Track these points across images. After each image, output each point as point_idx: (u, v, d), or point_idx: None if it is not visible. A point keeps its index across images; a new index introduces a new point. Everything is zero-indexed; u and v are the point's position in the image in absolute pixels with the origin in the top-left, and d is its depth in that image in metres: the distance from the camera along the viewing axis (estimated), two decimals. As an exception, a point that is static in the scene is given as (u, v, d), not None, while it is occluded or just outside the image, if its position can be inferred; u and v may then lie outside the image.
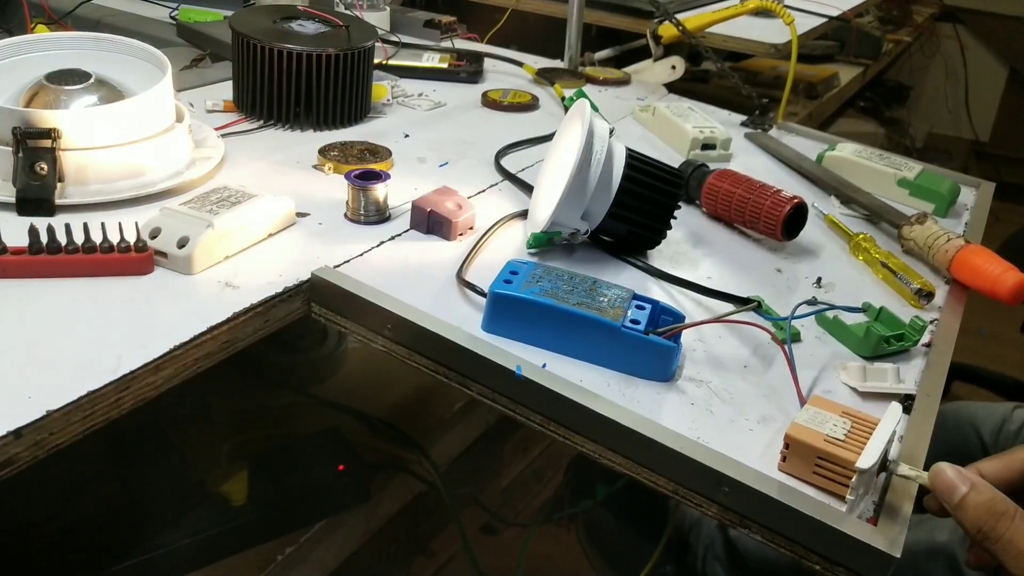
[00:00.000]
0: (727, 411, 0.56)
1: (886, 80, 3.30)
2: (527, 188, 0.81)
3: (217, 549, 0.86)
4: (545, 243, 0.70)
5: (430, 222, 0.71)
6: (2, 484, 0.47)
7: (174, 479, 0.89)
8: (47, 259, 0.59)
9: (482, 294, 0.61)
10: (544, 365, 0.57)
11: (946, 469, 0.49)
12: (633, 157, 0.69)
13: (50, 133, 0.67)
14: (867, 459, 0.46)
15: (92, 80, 0.74)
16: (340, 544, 0.98)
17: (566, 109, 0.72)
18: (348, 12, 1.15)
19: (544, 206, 0.71)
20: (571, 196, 0.66)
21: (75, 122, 0.68)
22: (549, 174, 0.74)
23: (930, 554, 0.86)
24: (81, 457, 0.88)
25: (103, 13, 1.22)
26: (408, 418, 1.08)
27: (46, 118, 0.68)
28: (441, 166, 0.86)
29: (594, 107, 0.72)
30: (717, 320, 0.63)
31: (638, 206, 0.69)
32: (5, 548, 0.80)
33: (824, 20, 1.83)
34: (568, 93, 1.05)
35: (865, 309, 0.66)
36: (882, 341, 0.63)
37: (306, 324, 0.65)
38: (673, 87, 1.22)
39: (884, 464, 0.49)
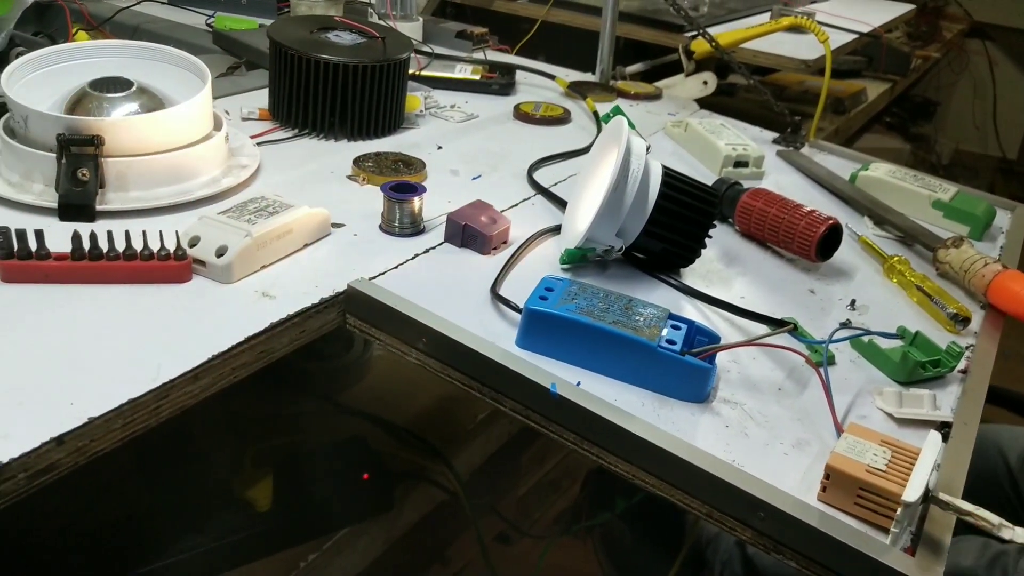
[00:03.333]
0: (762, 434, 0.56)
1: (913, 96, 3.27)
2: (560, 203, 0.81)
3: (241, 554, 0.87)
4: (579, 259, 0.70)
5: (464, 236, 0.71)
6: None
7: (199, 484, 0.90)
8: (89, 265, 0.60)
9: (517, 310, 0.61)
10: (579, 383, 0.57)
11: None
12: (669, 175, 0.69)
13: (93, 140, 0.68)
14: (913, 492, 0.46)
15: (134, 88, 0.75)
16: (362, 552, 0.98)
17: (599, 126, 0.72)
18: (382, 23, 1.16)
19: (579, 222, 0.71)
20: (607, 213, 0.66)
21: (118, 129, 0.69)
22: (585, 190, 0.74)
23: (957, 581, 0.85)
24: (108, 460, 0.88)
25: (141, 19, 1.24)
26: (431, 428, 1.08)
27: (90, 125, 0.69)
28: (474, 179, 0.86)
29: (631, 124, 0.72)
30: (753, 343, 0.62)
31: (673, 224, 0.69)
32: (31, 550, 0.81)
33: (855, 36, 1.83)
34: (600, 108, 1.05)
35: (901, 334, 0.65)
36: (918, 367, 0.62)
37: (333, 333, 0.65)
38: (701, 102, 1.22)
39: (926, 495, 0.48)
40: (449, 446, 1.08)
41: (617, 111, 0.71)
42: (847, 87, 2.09)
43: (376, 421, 1.05)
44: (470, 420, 1.13)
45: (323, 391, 1.08)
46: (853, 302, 0.73)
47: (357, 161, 0.84)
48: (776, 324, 0.66)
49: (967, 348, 0.68)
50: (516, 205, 0.82)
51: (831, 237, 0.75)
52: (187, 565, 0.84)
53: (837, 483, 0.50)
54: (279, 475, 0.93)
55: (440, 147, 0.93)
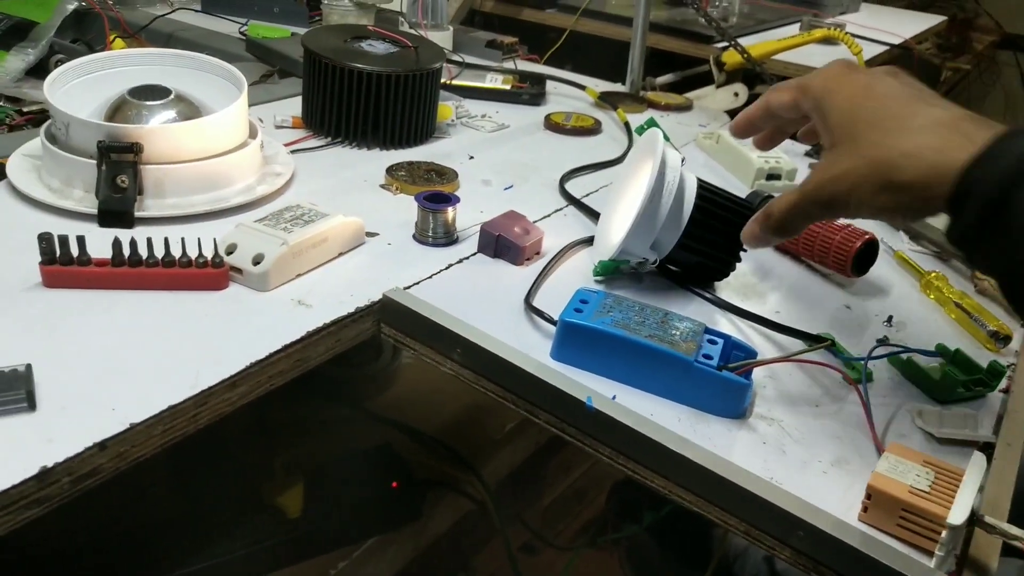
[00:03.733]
0: (800, 452, 0.55)
1: (941, 108, 3.24)
2: (592, 214, 0.81)
3: (271, 561, 0.87)
4: (612, 271, 0.70)
5: (498, 246, 0.71)
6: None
7: (231, 489, 0.90)
8: (129, 272, 0.60)
9: (551, 322, 0.61)
10: (614, 397, 0.56)
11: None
12: (704, 188, 0.69)
13: (132, 147, 0.69)
14: (959, 514, 0.45)
15: (172, 96, 0.75)
16: (389, 561, 0.98)
17: (630, 137, 0.72)
18: (413, 32, 1.17)
19: (613, 234, 0.70)
20: (642, 225, 0.65)
21: (157, 137, 0.70)
22: (619, 202, 0.73)
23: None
24: (141, 464, 0.89)
25: (175, 27, 1.25)
26: (460, 437, 1.08)
27: (130, 133, 0.69)
28: (506, 189, 0.86)
29: (666, 136, 0.72)
30: (790, 359, 0.62)
31: (708, 237, 0.69)
32: (64, 554, 0.82)
33: (886, 48, 1.81)
34: (631, 118, 1.05)
35: (941, 352, 0.65)
36: (959, 386, 0.61)
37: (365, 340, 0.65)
38: (730, 112, 1.21)
39: (971, 517, 0.47)
40: (477, 455, 1.08)
41: (652, 123, 0.71)
42: (877, 99, 2.08)
43: (404, 429, 1.05)
44: (498, 430, 1.13)
45: (352, 398, 1.08)
46: (890, 318, 0.72)
47: (390, 170, 0.84)
48: (813, 340, 0.65)
49: (1009, 367, 0.67)
50: (548, 216, 0.82)
51: (867, 252, 0.75)
52: (218, 571, 0.85)
53: (879, 504, 0.49)
54: (309, 482, 0.93)
55: (472, 157, 0.93)
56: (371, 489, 0.95)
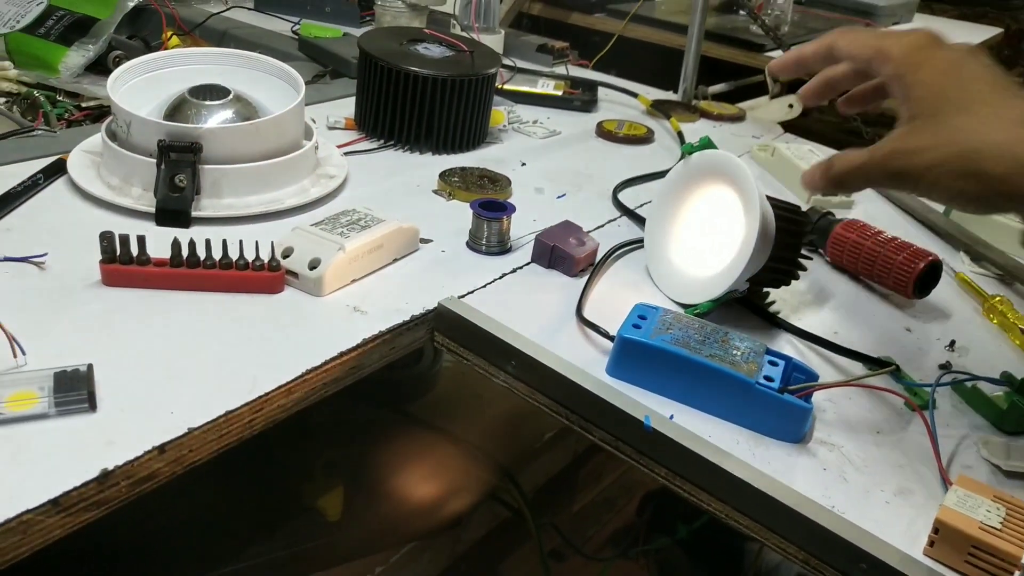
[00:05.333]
0: (861, 480, 0.54)
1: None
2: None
3: (310, 563, 0.87)
4: (714, 308, 0.68)
5: (552, 257, 0.70)
6: None
7: (271, 490, 0.91)
8: (187, 272, 0.60)
9: (608, 336, 0.60)
10: (672, 416, 0.55)
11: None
12: (775, 206, 0.67)
13: (192, 147, 0.69)
14: (1035, 555, 0.43)
15: (231, 96, 0.76)
16: (425, 567, 0.98)
17: (683, 153, 0.70)
18: (465, 35, 1.16)
19: (696, 267, 0.69)
20: (748, 266, 0.63)
21: (216, 137, 0.70)
22: (676, 224, 0.72)
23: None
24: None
25: (229, 25, 1.26)
26: (499, 444, 1.07)
27: (190, 132, 0.70)
28: (559, 197, 0.85)
29: (713, 145, 0.70)
30: (853, 383, 0.60)
31: (779, 254, 0.67)
32: (102, 553, 0.82)
33: (941, 61, 1.77)
34: (684, 127, 1.04)
35: (1008, 381, 0.63)
36: (1027, 416, 0.59)
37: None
38: (785, 125, 1.19)
39: (1043, 557, 0.46)
40: (515, 463, 1.07)
41: (706, 143, 0.69)
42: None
43: (444, 434, 1.04)
44: (537, 438, 1.12)
45: (393, 401, 1.08)
46: (952, 343, 0.70)
47: (443, 175, 0.83)
48: (875, 363, 0.63)
49: (1076, 398, 0.65)
50: (602, 226, 0.81)
51: (930, 274, 0.73)
52: (256, 572, 0.85)
53: (947, 539, 0.48)
54: (350, 485, 0.93)
55: (524, 163, 0.93)
56: (411, 495, 0.95)
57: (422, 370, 1.14)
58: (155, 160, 0.69)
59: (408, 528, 0.93)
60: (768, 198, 0.68)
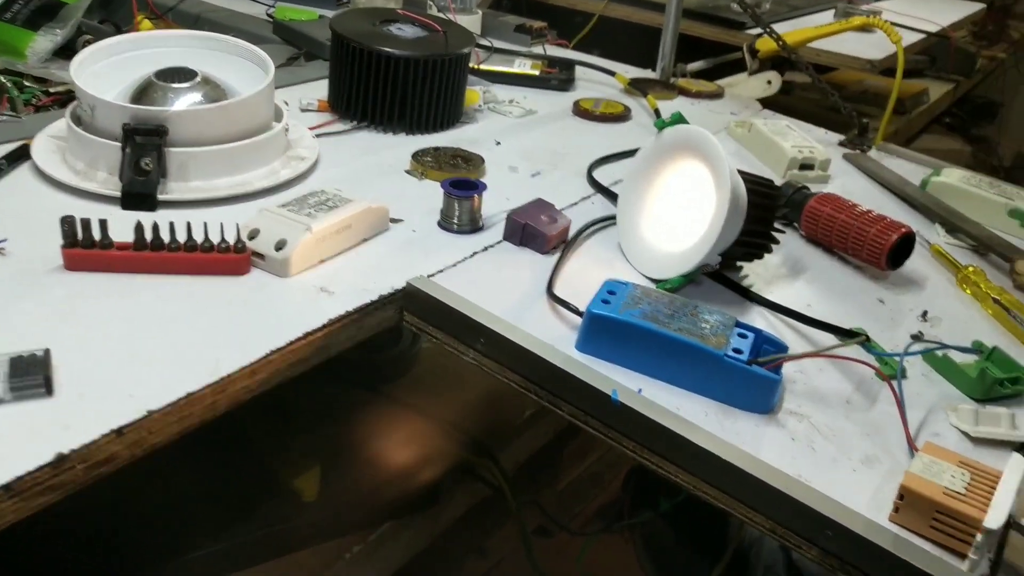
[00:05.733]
0: (829, 449, 0.54)
1: (975, 97, 3.17)
2: (620, 202, 0.79)
3: (287, 543, 0.87)
4: (686, 283, 0.67)
5: (524, 235, 0.70)
6: None
7: (248, 471, 0.90)
8: (150, 256, 0.60)
9: (577, 312, 0.60)
10: (640, 390, 0.55)
11: None
12: (746, 180, 0.67)
13: (158, 130, 0.68)
14: (996, 518, 0.43)
15: (198, 78, 0.75)
16: (405, 545, 0.98)
17: (659, 129, 0.70)
18: (441, 15, 1.15)
19: (668, 243, 0.68)
20: (720, 240, 0.63)
21: (182, 120, 0.69)
22: (648, 200, 0.71)
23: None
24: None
25: (203, 8, 1.25)
26: (478, 423, 1.07)
27: (156, 115, 0.69)
28: (533, 176, 0.85)
29: (684, 120, 0.69)
30: (822, 354, 0.60)
31: (751, 228, 0.67)
32: (77, 536, 0.82)
33: (922, 36, 1.77)
34: (662, 105, 1.03)
35: (978, 349, 0.63)
36: (996, 384, 0.59)
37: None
38: (763, 101, 1.19)
39: (1008, 521, 0.46)
40: (495, 441, 1.07)
41: (677, 118, 0.68)
42: (908, 87, 2.03)
43: (423, 414, 1.04)
44: (517, 416, 1.12)
45: (371, 381, 1.08)
46: (925, 313, 0.70)
47: (416, 155, 0.83)
48: (846, 334, 0.63)
49: (1048, 366, 0.65)
50: (576, 204, 0.80)
51: (903, 245, 0.73)
52: (234, 552, 0.85)
53: (912, 504, 0.48)
54: (325, 466, 0.92)
55: (498, 143, 0.92)
56: (388, 475, 0.95)
57: (401, 351, 1.14)
58: (120, 144, 0.68)
59: (385, 507, 0.93)
60: (740, 172, 0.68)
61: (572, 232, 0.73)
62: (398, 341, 1.16)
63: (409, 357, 1.15)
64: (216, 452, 0.93)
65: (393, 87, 0.88)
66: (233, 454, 0.93)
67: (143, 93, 0.73)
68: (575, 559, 1.34)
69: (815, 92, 1.06)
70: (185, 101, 0.74)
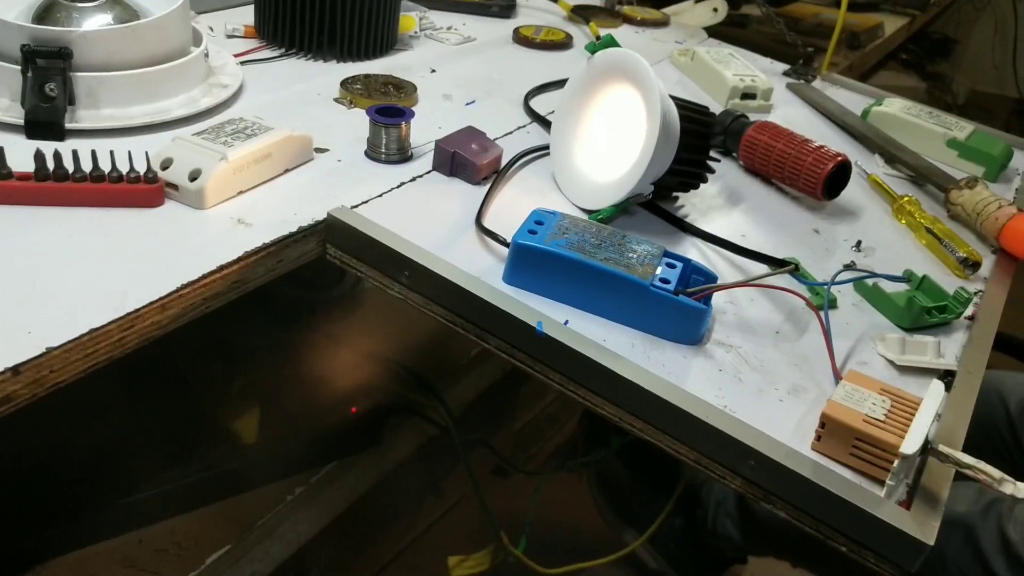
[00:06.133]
0: (756, 379, 0.53)
1: (931, 32, 3.17)
2: (557, 132, 0.77)
3: (227, 486, 0.86)
4: (618, 214, 0.66)
5: (453, 164, 0.68)
6: (13, 416, 0.45)
7: (186, 414, 0.88)
8: (53, 186, 0.56)
9: (505, 244, 0.58)
10: (566, 322, 0.54)
11: None
12: (680, 106, 0.65)
13: (61, 52, 0.64)
14: (912, 444, 0.43)
15: (106, -2, 0.70)
16: (351, 486, 0.97)
17: (591, 53, 0.67)
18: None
19: (602, 172, 0.66)
20: (651, 166, 0.61)
21: (88, 42, 0.65)
22: (581, 127, 0.69)
23: (947, 525, 0.84)
24: (93, 388, 0.87)
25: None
26: (424, 362, 1.06)
27: (58, 36, 0.64)
28: (468, 104, 0.82)
29: (616, 43, 0.67)
30: (750, 283, 0.60)
31: (686, 156, 0.65)
32: (9, 477, 0.80)
33: (875, -34, 1.75)
34: (604, 33, 1.00)
35: (907, 278, 0.63)
36: (924, 312, 0.59)
37: (324, 262, 0.62)
38: (710, 31, 1.16)
39: (925, 447, 0.46)
40: (441, 380, 1.06)
41: (610, 40, 0.66)
42: (863, 20, 2.02)
43: (367, 354, 1.03)
44: (464, 355, 1.11)
45: (313, 323, 1.06)
46: (859, 243, 0.70)
47: (345, 83, 0.79)
48: (777, 264, 0.63)
49: (976, 294, 0.65)
50: (510, 133, 0.78)
51: (839, 175, 0.72)
52: (172, 496, 0.83)
53: (832, 432, 0.48)
54: (266, 407, 0.91)
55: (433, 70, 0.89)
56: (329, 415, 0.94)
57: (345, 290, 1.11)
58: (20, 68, 0.64)
59: (328, 447, 0.92)
60: (674, 98, 0.66)
61: (505, 162, 0.70)
62: (342, 279, 1.14)
63: (354, 296, 1.13)
64: (154, 396, 0.91)
65: (321, 11, 0.84)
66: (171, 397, 0.91)
67: (45, 13, 0.69)
68: (530, 497, 1.35)
69: (768, 25, 1.04)
70: (93, 23, 0.69)
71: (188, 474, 0.84)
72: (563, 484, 1.44)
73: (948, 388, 0.55)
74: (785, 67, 1.05)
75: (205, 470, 0.84)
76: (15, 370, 0.44)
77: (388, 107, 0.69)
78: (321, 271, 1.13)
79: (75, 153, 0.57)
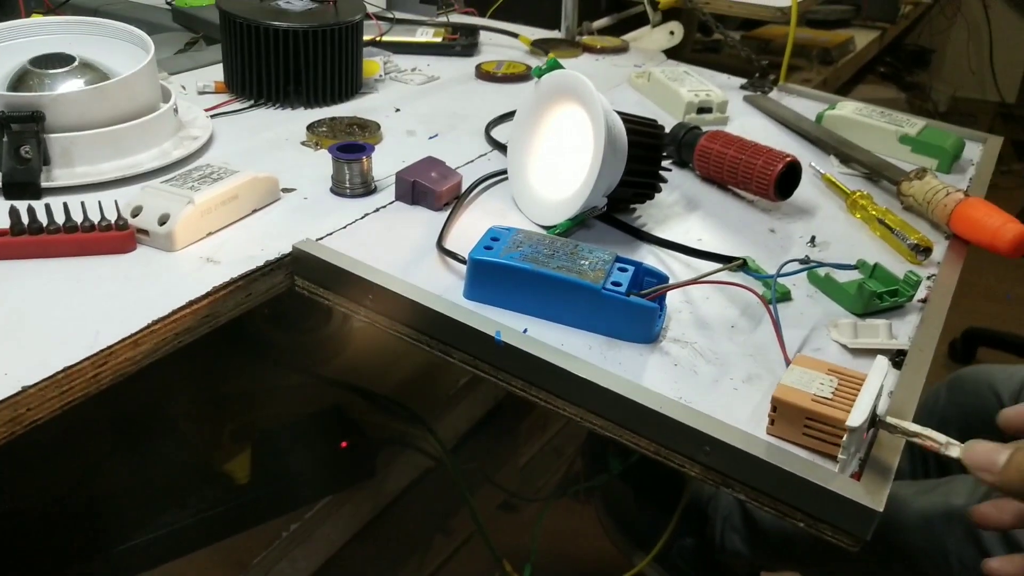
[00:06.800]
0: (711, 371, 0.55)
1: (907, 44, 3.22)
2: (517, 157, 0.80)
3: (223, 527, 0.87)
4: (575, 227, 0.68)
5: (415, 192, 0.70)
6: (9, 464, 0.47)
7: (178, 460, 0.90)
8: (29, 240, 0.59)
9: (462, 261, 0.61)
10: (525, 330, 0.56)
11: (981, 442, 0.48)
12: (625, 120, 0.68)
13: (33, 116, 0.67)
14: (857, 417, 0.45)
15: (76, 63, 0.74)
16: (347, 520, 0.99)
17: (537, 77, 0.70)
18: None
19: (557, 189, 0.69)
20: (601, 178, 0.64)
21: (59, 104, 0.68)
22: (533, 148, 0.72)
23: (947, 518, 0.84)
24: (88, 439, 0.89)
25: (100, 2, 1.23)
26: (413, 394, 1.08)
27: (30, 101, 0.68)
28: (431, 138, 0.85)
29: (560, 65, 0.70)
30: (699, 281, 0.62)
31: (635, 167, 0.68)
32: (15, 528, 0.81)
33: (834, -18, 1.79)
34: (567, 64, 1.03)
35: (859, 266, 0.65)
36: (874, 297, 0.61)
37: (311, 304, 0.64)
38: (683, 58, 1.20)
39: (873, 420, 0.48)
40: (431, 412, 1.08)
41: (553, 64, 0.69)
42: (833, 37, 2.06)
43: (356, 390, 1.05)
44: (452, 385, 1.13)
45: (302, 364, 1.08)
46: (813, 239, 0.72)
47: (311, 127, 0.83)
48: (728, 262, 0.65)
49: (928, 278, 0.67)
50: (472, 161, 0.81)
51: (789, 175, 0.74)
52: (170, 540, 0.85)
53: (784, 415, 0.49)
54: (257, 448, 0.93)
55: (398, 109, 0.92)
56: (321, 451, 0.95)
57: (332, 331, 1.14)
58: (-4, 133, 0.67)
59: (320, 483, 0.93)
60: (621, 113, 0.69)
61: (465, 187, 0.73)
62: (329, 321, 1.16)
63: (341, 336, 1.15)
64: (147, 445, 0.93)
65: (285, 61, 0.88)
66: (164, 444, 0.93)
67: (20, 81, 0.72)
68: (533, 525, 1.36)
69: (747, 49, 1.07)
70: (65, 87, 0.73)
71: (183, 518, 0.85)
72: (569, 512, 1.44)
73: (899, 367, 0.56)
74: (742, 81, 1.08)
75: (199, 513, 0.86)
76: (-8, 409, 0.46)
77: (349, 144, 0.72)
78: (307, 314, 1.16)
79: (47, 207, 0.60)
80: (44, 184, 0.68)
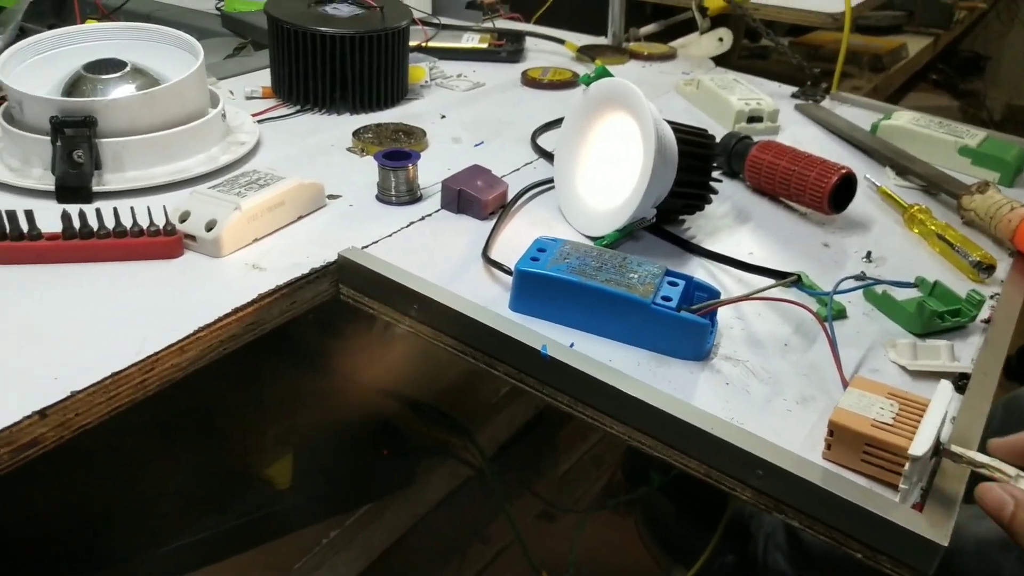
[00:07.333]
0: (764, 391, 0.53)
1: (961, 51, 3.15)
2: (563, 166, 0.79)
3: (263, 532, 0.87)
4: (623, 238, 0.67)
5: (460, 201, 0.70)
6: (58, 470, 0.47)
7: (221, 464, 0.91)
8: (79, 244, 0.60)
9: (508, 272, 0.60)
10: (572, 344, 0.55)
11: (993, 488, 0.46)
12: (677, 129, 0.66)
13: (86, 121, 0.68)
14: (921, 445, 0.43)
15: (128, 68, 0.74)
16: (387, 527, 0.98)
17: (585, 84, 0.69)
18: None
19: (605, 199, 0.68)
20: (650, 188, 0.62)
21: (111, 110, 0.69)
22: (581, 157, 0.71)
23: (1003, 546, 0.81)
24: (133, 442, 0.90)
25: (152, 7, 1.24)
26: (455, 402, 1.07)
27: (83, 106, 0.68)
28: (476, 146, 0.84)
29: (608, 73, 0.69)
30: (752, 297, 0.60)
31: (686, 177, 0.67)
32: (54, 529, 0.82)
33: (887, -13, 1.75)
34: (614, 70, 1.02)
35: (918, 284, 0.62)
36: (935, 316, 0.59)
37: (355, 311, 0.64)
38: (731, 65, 1.18)
39: (937, 448, 0.46)
40: (472, 421, 1.07)
41: (602, 71, 0.68)
42: (886, 43, 2.02)
43: (398, 398, 1.04)
44: (493, 394, 1.12)
45: (345, 370, 1.08)
46: (869, 254, 0.70)
47: (357, 133, 0.82)
48: (781, 277, 0.63)
49: (991, 297, 0.64)
50: (518, 169, 0.80)
51: (844, 187, 0.72)
52: (209, 543, 0.85)
53: (842, 439, 0.48)
54: (299, 453, 0.93)
55: (444, 116, 0.91)
56: (362, 458, 0.95)
57: (375, 337, 1.14)
58: (50, 138, 0.68)
59: (360, 490, 0.93)
60: (671, 123, 0.68)
61: (511, 196, 0.72)
62: (371, 327, 1.16)
63: (384, 343, 1.15)
64: (190, 448, 0.93)
65: (332, 67, 0.88)
66: (205, 447, 0.93)
67: (74, 87, 0.73)
68: (571, 536, 1.34)
69: (797, 54, 1.05)
70: (117, 92, 0.73)
71: (224, 522, 0.86)
72: (608, 524, 1.43)
73: (962, 391, 0.54)
74: (792, 89, 1.05)
75: (240, 517, 0.86)
76: (42, 413, 0.46)
77: (395, 151, 0.72)
78: (350, 320, 1.16)
79: (98, 212, 0.60)
80: (95, 188, 0.69)
